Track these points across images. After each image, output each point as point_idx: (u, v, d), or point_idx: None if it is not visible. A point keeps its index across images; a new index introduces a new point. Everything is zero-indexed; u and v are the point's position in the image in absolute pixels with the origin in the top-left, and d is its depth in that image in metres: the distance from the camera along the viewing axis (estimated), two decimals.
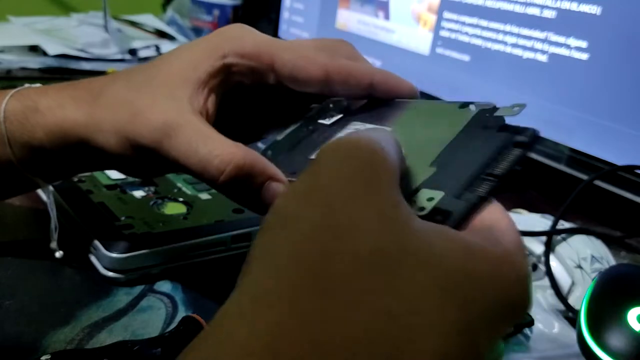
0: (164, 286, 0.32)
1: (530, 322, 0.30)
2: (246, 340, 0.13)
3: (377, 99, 0.28)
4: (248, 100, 0.30)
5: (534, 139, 0.22)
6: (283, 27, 0.87)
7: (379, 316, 0.14)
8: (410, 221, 0.16)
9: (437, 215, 0.19)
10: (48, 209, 0.32)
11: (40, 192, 0.35)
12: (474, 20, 0.57)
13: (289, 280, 0.14)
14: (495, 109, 0.24)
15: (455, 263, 0.16)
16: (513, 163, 0.21)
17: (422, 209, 0.19)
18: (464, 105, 0.25)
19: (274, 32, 0.88)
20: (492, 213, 0.19)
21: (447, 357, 0.14)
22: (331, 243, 0.15)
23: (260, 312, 0.14)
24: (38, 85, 0.30)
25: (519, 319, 0.17)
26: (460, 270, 0.16)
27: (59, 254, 0.32)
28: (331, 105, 0.29)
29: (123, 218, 0.35)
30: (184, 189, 0.40)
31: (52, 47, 0.72)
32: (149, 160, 0.26)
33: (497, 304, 0.16)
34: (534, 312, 0.32)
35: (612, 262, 0.37)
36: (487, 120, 0.23)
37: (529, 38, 0.52)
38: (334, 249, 0.15)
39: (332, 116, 0.29)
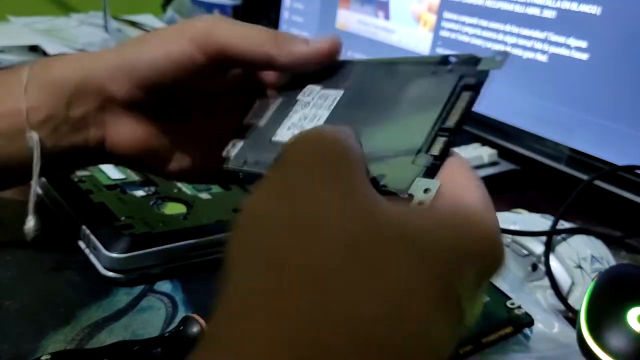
0: (164, 286, 0.32)
1: (530, 322, 0.30)
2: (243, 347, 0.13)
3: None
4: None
5: (482, 78, 0.21)
6: (283, 27, 0.87)
7: (369, 306, 0.14)
8: (379, 205, 0.17)
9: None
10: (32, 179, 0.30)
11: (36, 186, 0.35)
12: (474, 20, 0.57)
13: (272, 291, 0.14)
14: (476, 60, 0.22)
15: (428, 236, 0.16)
16: (465, 110, 0.20)
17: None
18: (444, 59, 0.23)
19: None
20: (450, 171, 0.20)
21: (436, 323, 0.15)
22: (305, 242, 0.15)
23: (249, 330, 0.14)
24: None
25: (493, 272, 0.18)
26: (435, 241, 0.16)
27: (31, 223, 0.31)
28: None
29: (123, 218, 0.35)
30: (184, 189, 0.40)
31: (52, 47, 0.72)
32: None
33: (472, 262, 0.17)
34: (534, 312, 0.32)
35: (612, 262, 0.37)
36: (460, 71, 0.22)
37: (529, 38, 0.52)
38: (309, 249, 0.15)
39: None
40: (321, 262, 0.15)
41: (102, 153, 0.30)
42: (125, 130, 0.29)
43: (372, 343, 0.14)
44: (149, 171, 0.33)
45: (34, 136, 0.28)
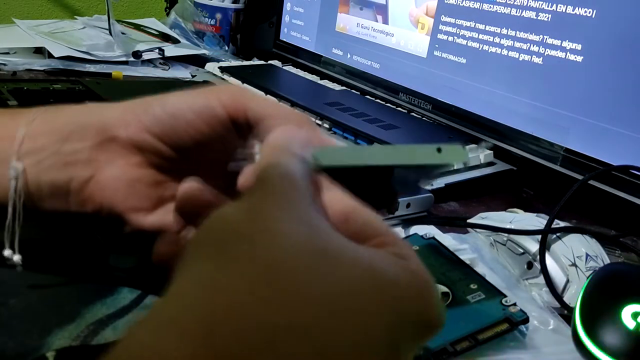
0: None
1: (526, 319, 0.30)
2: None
3: None
4: None
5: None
6: (284, 31, 0.88)
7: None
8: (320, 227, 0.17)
9: None
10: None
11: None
12: (470, 24, 0.57)
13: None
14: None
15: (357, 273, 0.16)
16: None
17: None
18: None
19: (276, 35, 0.89)
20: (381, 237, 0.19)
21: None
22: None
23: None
24: None
25: (427, 335, 0.17)
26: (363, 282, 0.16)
27: (16, 257, 0.29)
28: None
29: None
30: None
31: (57, 49, 0.73)
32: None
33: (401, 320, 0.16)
34: (530, 309, 0.32)
35: (607, 260, 0.37)
36: None
37: (525, 41, 0.53)
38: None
39: None
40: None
41: (79, 200, 0.28)
42: (116, 172, 0.28)
43: None
44: (124, 221, 0.29)
45: (18, 166, 0.26)
